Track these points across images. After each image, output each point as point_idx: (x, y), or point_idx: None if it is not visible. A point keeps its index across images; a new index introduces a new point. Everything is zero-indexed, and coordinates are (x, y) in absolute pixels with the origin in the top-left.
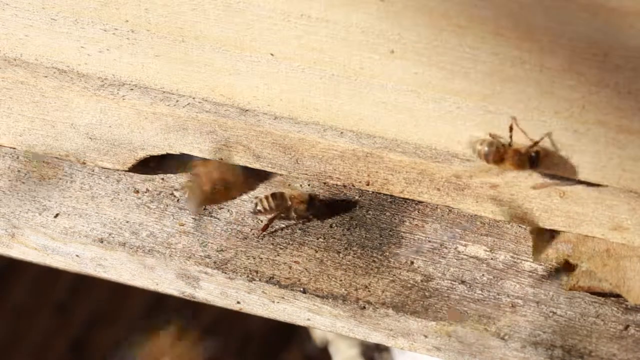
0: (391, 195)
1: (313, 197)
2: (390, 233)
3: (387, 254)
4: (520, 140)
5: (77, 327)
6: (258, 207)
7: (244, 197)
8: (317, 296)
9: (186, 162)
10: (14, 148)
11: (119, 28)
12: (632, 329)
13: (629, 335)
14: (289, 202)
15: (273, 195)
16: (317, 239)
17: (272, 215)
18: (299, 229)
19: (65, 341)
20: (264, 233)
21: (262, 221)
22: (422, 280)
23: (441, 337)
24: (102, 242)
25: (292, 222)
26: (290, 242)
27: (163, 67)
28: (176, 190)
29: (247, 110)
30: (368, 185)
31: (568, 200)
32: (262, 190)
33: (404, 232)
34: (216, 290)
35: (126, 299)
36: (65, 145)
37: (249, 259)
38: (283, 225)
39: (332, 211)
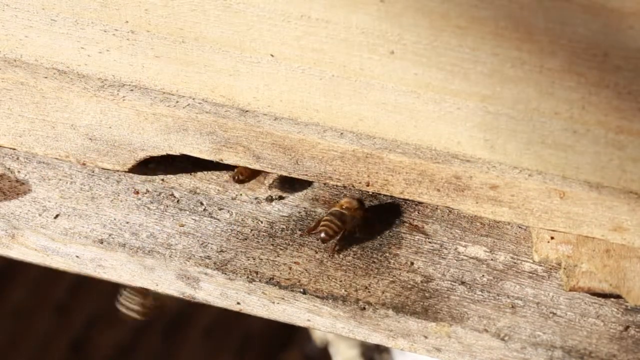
0: (391, 196)
1: (361, 200)
2: (390, 234)
3: (387, 254)
4: None
5: (77, 328)
6: (324, 235)
7: (244, 197)
8: (317, 297)
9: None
10: (14, 149)
11: (119, 29)
12: (632, 330)
13: (629, 336)
14: (347, 214)
15: (333, 215)
16: (317, 239)
17: (340, 234)
18: (299, 230)
19: (65, 341)
20: (335, 252)
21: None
22: (422, 281)
23: (441, 338)
24: (102, 242)
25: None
26: (290, 243)
27: (163, 68)
28: (175, 190)
29: (247, 111)
30: (368, 186)
31: (568, 201)
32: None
33: (403, 233)
34: (216, 291)
35: None
36: (65, 146)
37: (249, 259)
38: (283, 227)
39: (382, 213)
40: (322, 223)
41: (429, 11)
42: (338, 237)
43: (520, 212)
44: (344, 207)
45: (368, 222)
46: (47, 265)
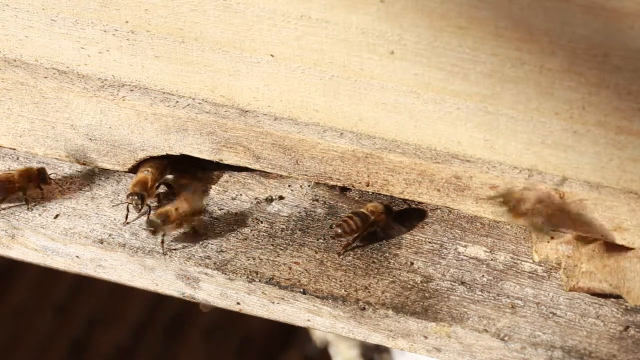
0: (391, 196)
1: (388, 206)
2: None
3: (387, 254)
4: None
5: (77, 328)
6: (340, 230)
7: (244, 197)
8: (317, 297)
9: None
10: (14, 149)
11: (119, 29)
12: (632, 330)
13: (629, 336)
14: (371, 217)
15: (355, 214)
16: (317, 239)
17: (357, 234)
18: (299, 230)
19: (66, 342)
20: (345, 252)
21: (342, 241)
22: (422, 281)
23: (441, 338)
24: (102, 243)
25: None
26: (290, 243)
27: (163, 68)
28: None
29: (247, 111)
30: (368, 186)
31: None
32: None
33: (403, 233)
34: (216, 291)
35: (126, 300)
36: (65, 146)
37: (248, 259)
38: (283, 227)
39: (406, 218)
40: (342, 219)
41: (429, 11)
42: (354, 237)
43: None
44: (369, 209)
45: (390, 227)
46: (47, 265)
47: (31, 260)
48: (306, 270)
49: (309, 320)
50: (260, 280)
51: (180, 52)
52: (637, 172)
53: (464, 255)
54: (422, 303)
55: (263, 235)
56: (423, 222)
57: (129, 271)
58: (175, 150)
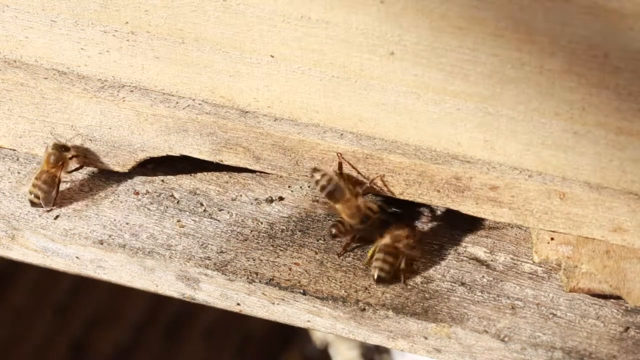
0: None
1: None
2: None
3: None
4: None
5: (77, 329)
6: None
7: (244, 198)
8: (317, 298)
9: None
10: (14, 150)
11: (119, 30)
12: (632, 331)
13: (629, 336)
14: (402, 250)
15: (386, 253)
16: (317, 240)
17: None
18: (299, 231)
19: (65, 342)
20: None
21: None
22: (422, 282)
23: (441, 339)
24: (102, 243)
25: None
26: (290, 244)
27: (163, 69)
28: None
29: (247, 112)
30: None
31: (568, 202)
32: None
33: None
34: (216, 292)
35: (126, 300)
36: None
37: (249, 260)
38: (283, 227)
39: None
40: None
41: (429, 12)
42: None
43: (521, 213)
44: (395, 240)
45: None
46: (47, 266)
47: (31, 261)
48: (306, 271)
49: (309, 321)
50: (260, 281)
51: (181, 53)
52: (638, 173)
53: (464, 256)
54: (422, 304)
55: (263, 236)
56: (423, 222)
57: (129, 272)
58: (175, 151)
